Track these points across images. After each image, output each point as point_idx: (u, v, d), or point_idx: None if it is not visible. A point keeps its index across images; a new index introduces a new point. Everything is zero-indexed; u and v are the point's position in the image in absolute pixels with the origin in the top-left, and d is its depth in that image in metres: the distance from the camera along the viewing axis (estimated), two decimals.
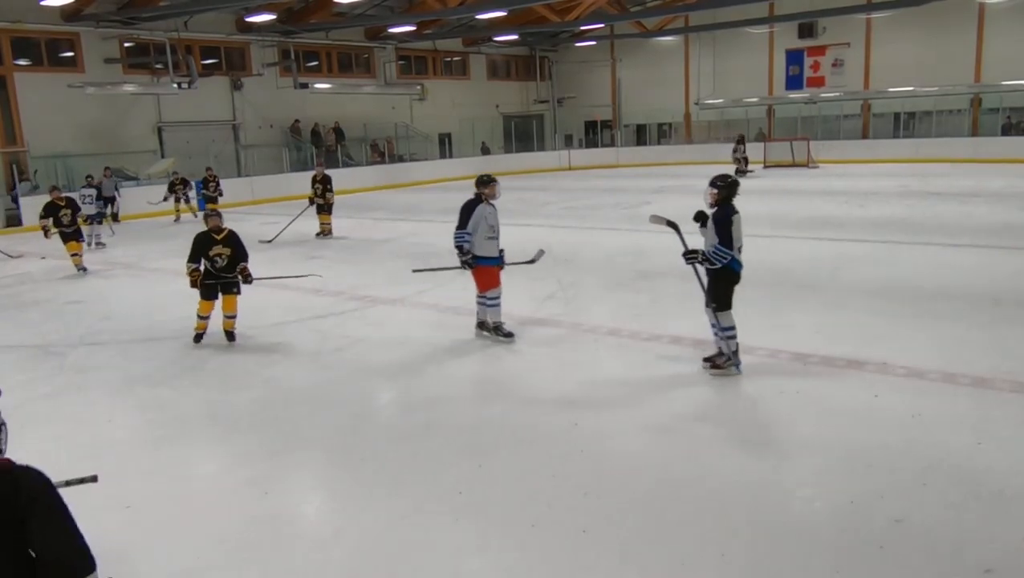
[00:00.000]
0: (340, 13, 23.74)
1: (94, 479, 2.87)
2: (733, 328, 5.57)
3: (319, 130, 24.85)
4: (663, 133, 32.07)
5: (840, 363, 5.67)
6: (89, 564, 1.92)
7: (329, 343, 6.92)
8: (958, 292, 7.75)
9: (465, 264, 6.65)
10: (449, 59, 30.46)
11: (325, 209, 13.68)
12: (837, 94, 27.47)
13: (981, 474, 3.94)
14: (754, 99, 28.81)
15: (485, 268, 6.69)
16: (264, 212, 18.39)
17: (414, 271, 8.23)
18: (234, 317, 7.00)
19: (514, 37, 29.34)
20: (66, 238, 10.99)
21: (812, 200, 15.44)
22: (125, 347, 7.02)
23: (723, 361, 5.63)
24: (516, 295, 8.47)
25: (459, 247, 6.63)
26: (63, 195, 11.31)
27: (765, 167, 24.67)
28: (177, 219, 17.07)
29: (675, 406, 5.12)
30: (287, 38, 23.81)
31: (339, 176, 22.96)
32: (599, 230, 13.46)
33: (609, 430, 4.75)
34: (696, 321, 6.84)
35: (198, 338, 6.98)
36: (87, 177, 15.73)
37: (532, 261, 7.20)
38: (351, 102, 25.90)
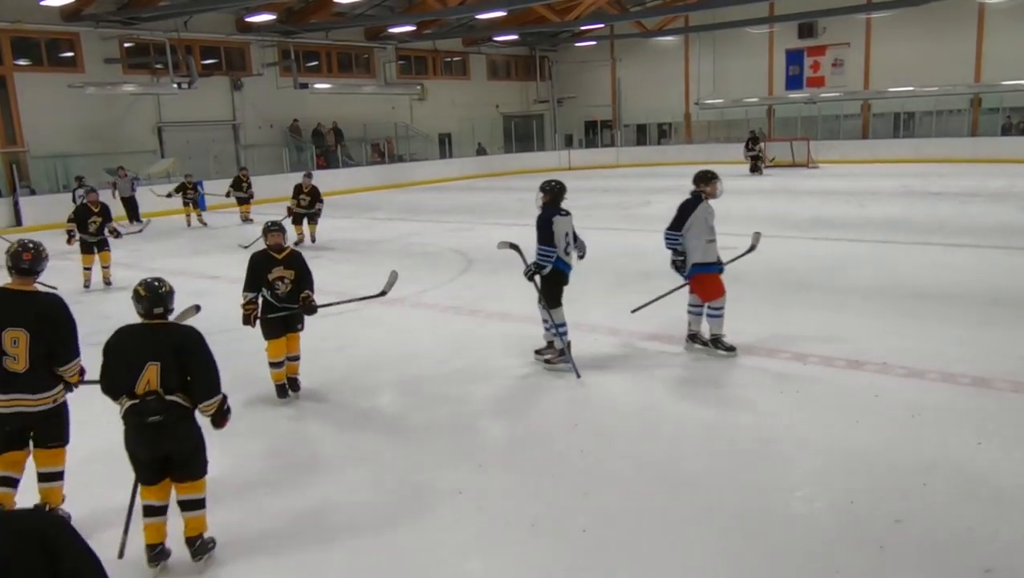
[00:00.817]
0: (340, 13, 23.75)
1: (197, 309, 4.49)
2: (564, 324, 5.88)
3: (320, 130, 24.86)
4: (663, 133, 32.07)
5: (840, 363, 5.67)
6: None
7: (329, 343, 6.91)
8: (958, 292, 7.75)
9: (676, 267, 6.01)
10: (449, 59, 30.46)
11: (313, 220, 13.08)
12: (837, 94, 27.47)
13: (981, 474, 3.94)
14: (754, 99, 28.81)
15: (707, 276, 5.94)
16: (264, 212, 18.36)
17: (633, 312, 6.87)
18: (298, 359, 5.56)
19: (514, 37, 29.35)
20: (86, 248, 9.83)
21: (812, 200, 15.43)
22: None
23: (556, 356, 5.92)
24: (516, 295, 8.47)
25: (673, 249, 5.96)
26: (99, 200, 10.16)
27: (765, 167, 24.67)
28: (189, 224, 16.55)
29: (675, 406, 5.13)
30: (287, 38, 23.81)
31: (339, 176, 23.18)
32: (599, 230, 13.42)
33: (609, 430, 4.75)
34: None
35: (283, 392, 5.46)
36: (77, 179, 15.75)
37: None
38: (351, 102, 25.91)
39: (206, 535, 3.53)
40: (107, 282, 10.17)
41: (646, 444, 4.56)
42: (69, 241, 9.89)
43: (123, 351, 3.44)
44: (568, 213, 5.95)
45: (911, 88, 25.71)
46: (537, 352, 6.08)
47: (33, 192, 17.90)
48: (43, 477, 3.80)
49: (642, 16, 28.20)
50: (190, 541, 3.48)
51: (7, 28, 18.65)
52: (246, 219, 16.38)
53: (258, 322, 5.37)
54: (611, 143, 31.66)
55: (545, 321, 5.98)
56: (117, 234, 10.10)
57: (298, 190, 13.05)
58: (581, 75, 33.22)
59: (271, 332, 5.36)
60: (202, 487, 3.52)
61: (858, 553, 3.31)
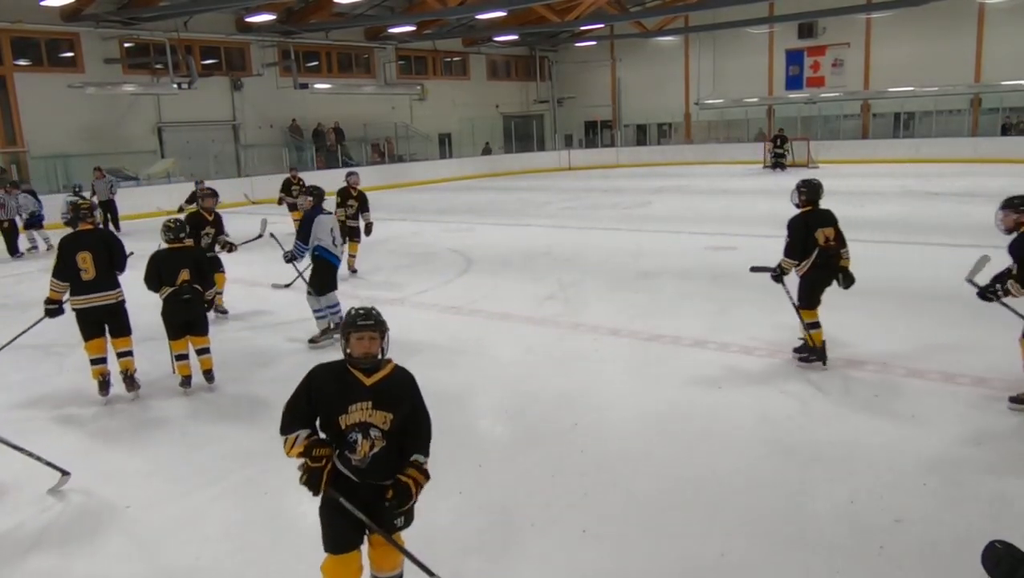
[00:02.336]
0: (340, 13, 23.74)
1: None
2: (336, 305, 6.80)
3: (321, 130, 24.86)
4: (663, 133, 32.05)
5: (840, 363, 5.67)
6: None
7: (329, 343, 6.91)
8: (957, 292, 7.72)
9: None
10: (449, 59, 30.45)
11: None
12: (837, 94, 27.46)
13: (981, 474, 3.94)
14: (754, 99, 28.80)
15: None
16: (265, 212, 18.35)
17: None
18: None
19: (514, 37, 29.34)
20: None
21: None
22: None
23: (319, 336, 6.76)
24: (516, 295, 8.48)
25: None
26: (214, 206, 8.81)
27: (764, 167, 24.69)
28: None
29: (675, 406, 5.12)
30: (287, 38, 23.81)
31: (339, 176, 23.07)
32: (599, 230, 13.45)
33: (609, 430, 4.75)
34: (696, 321, 6.85)
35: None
36: (75, 188, 14.97)
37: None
38: (351, 102, 25.90)
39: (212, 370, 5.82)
40: (219, 311, 8.04)
41: (646, 444, 4.56)
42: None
43: (165, 261, 5.64)
44: (331, 213, 7.10)
45: (911, 88, 25.70)
46: (311, 340, 6.81)
47: (33, 193, 17.86)
48: (120, 354, 5.68)
49: (642, 16, 28.19)
50: (206, 373, 5.82)
51: (7, 28, 18.65)
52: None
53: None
54: (611, 143, 31.65)
55: (317, 311, 6.85)
56: (231, 248, 7.88)
57: (289, 183, 13.41)
58: (581, 75, 33.22)
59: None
60: (208, 340, 5.84)
61: (858, 553, 3.31)
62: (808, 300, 5.60)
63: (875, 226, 12.10)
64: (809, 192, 5.62)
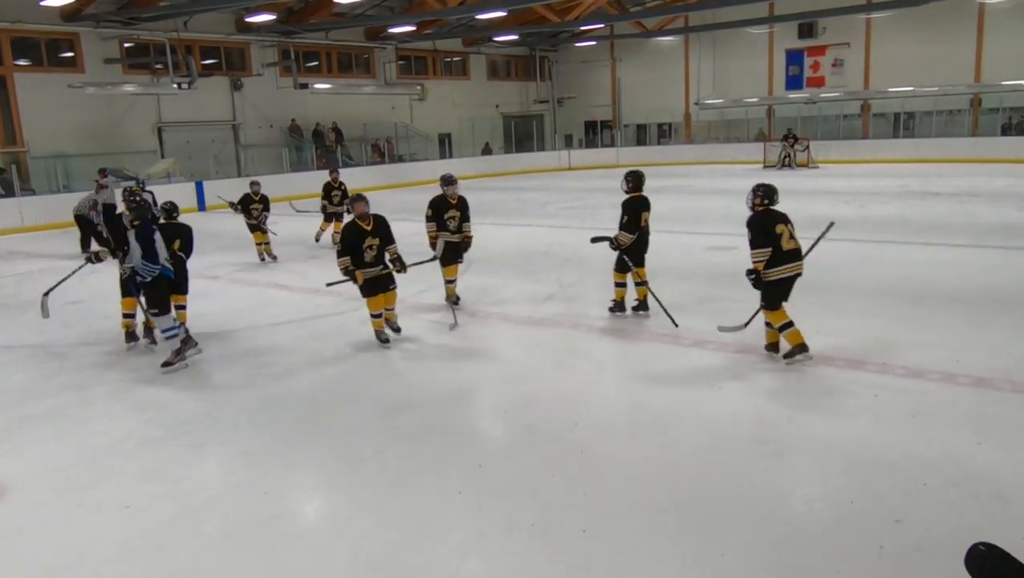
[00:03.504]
0: (340, 13, 23.75)
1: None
2: (175, 326, 6.29)
3: (321, 130, 24.87)
4: (663, 133, 32.06)
5: (840, 363, 5.67)
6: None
7: (329, 343, 6.92)
8: (958, 292, 7.76)
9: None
10: (449, 59, 30.46)
11: (340, 217, 12.18)
12: (837, 94, 27.47)
13: (981, 474, 3.94)
14: (754, 99, 28.81)
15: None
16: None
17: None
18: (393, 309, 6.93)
19: (514, 37, 29.34)
20: (253, 227, 11.14)
21: (812, 200, 15.42)
22: (125, 347, 7.02)
23: (177, 358, 6.22)
24: (516, 295, 8.48)
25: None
26: (260, 190, 11.21)
27: (764, 167, 24.70)
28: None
29: (675, 406, 5.12)
30: (287, 38, 23.82)
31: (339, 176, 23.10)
32: (599, 230, 13.41)
33: (609, 430, 4.75)
34: (695, 320, 6.84)
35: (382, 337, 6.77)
36: (137, 182, 13.48)
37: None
38: (351, 102, 25.91)
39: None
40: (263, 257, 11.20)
41: (646, 444, 4.56)
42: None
43: (162, 234, 6.42)
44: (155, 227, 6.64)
45: (911, 88, 25.71)
46: (167, 362, 6.24)
47: (33, 192, 17.87)
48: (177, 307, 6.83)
49: (642, 16, 28.20)
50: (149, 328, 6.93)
51: (7, 28, 18.65)
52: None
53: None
54: (611, 143, 31.64)
55: (165, 330, 6.26)
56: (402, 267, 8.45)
57: (330, 187, 12.34)
58: (581, 75, 33.23)
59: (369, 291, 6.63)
60: (184, 299, 6.97)
61: (858, 553, 3.31)
62: (771, 301, 5.69)
63: (875, 226, 12.12)
64: (765, 194, 5.78)
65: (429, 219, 7.81)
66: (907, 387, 5.20)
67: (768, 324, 5.82)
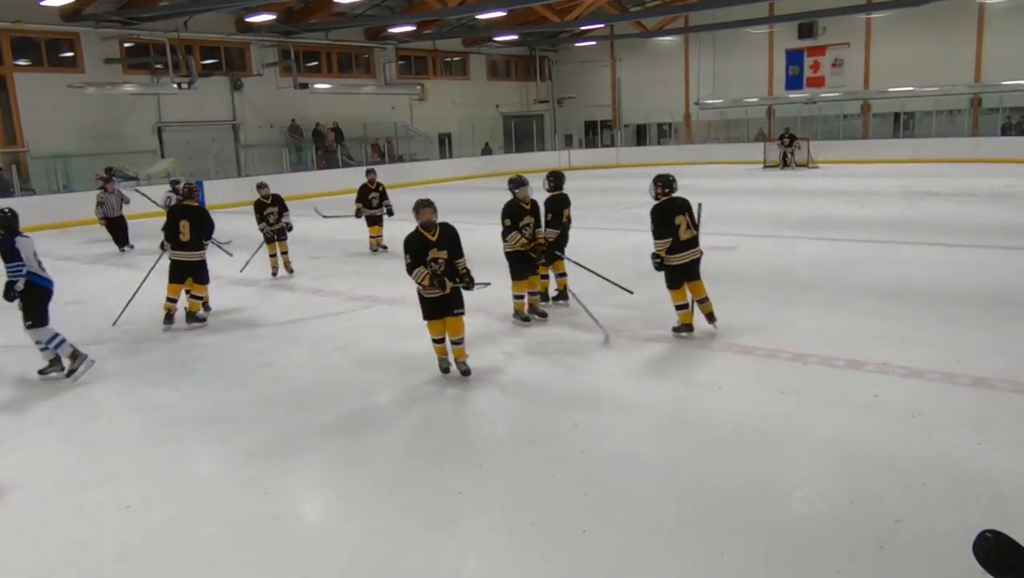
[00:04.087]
0: (340, 13, 23.75)
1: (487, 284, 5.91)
2: (55, 336, 6.00)
3: (321, 130, 24.86)
4: (663, 133, 32.05)
5: (840, 363, 5.67)
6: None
7: (329, 343, 6.92)
8: (958, 292, 7.75)
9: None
10: (449, 59, 30.45)
11: (378, 221, 11.83)
12: (837, 94, 27.46)
13: (981, 474, 3.94)
14: (754, 99, 28.80)
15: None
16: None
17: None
18: (461, 342, 5.87)
19: (514, 37, 29.33)
20: (268, 239, 10.04)
21: (812, 200, 15.41)
22: (125, 347, 7.02)
23: (54, 369, 6.09)
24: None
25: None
26: (270, 192, 10.03)
27: (764, 167, 24.71)
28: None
29: (674, 406, 5.12)
30: (287, 38, 23.81)
31: (339, 176, 23.13)
32: (599, 230, 13.44)
33: (609, 430, 4.75)
34: (695, 320, 6.84)
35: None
36: (173, 184, 12.59)
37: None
38: (351, 102, 25.90)
39: (199, 313, 7.71)
40: (275, 272, 10.20)
41: (646, 444, 4.56)
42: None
43: (174, 216, 7.49)
44: (28, 236, 6.17)
45: (911, 88, 25.70)
46: (40, 371, 6.14)
47: (33, 192, 17.87)
48: (193, 296, 7.69)
49: (642, 16, 28.20)
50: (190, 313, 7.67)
51: (7, 28, 18.65)
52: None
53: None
54: (611, 143, 31.65)
55: (38, 342, 6.02)
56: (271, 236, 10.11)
57: (368, 189, 11.67)
58: (581, 75, 33.22)
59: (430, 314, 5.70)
60: (204, 290, 7.68)
61: (858, 553, 3.31)
62: (673, 282, 6.37)
63: (876, 226, 12.12)
64: (665, 184, 6.42)
65: (509, 229, 7.08)
66: (907, 387, 5.20)
67: (679, 307, 6.47)
